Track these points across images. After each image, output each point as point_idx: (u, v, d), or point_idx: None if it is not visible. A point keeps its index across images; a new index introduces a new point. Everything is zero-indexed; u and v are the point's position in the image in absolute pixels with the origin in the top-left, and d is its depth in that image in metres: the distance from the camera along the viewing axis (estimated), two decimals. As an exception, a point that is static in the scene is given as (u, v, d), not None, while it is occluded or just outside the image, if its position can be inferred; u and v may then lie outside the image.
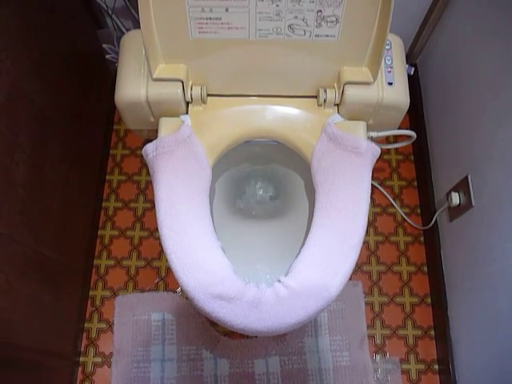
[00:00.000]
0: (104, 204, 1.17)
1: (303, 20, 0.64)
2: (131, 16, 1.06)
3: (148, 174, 1.20)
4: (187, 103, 0.76)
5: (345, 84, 0.72)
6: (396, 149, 1.23)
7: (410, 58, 1.18)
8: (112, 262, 1.12)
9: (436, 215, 1.05)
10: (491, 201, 0.84)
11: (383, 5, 0.62)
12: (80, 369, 1.03)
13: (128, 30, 1.06)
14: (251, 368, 1.01)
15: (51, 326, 0.91)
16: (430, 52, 1.13)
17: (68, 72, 0.96)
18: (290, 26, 0.65)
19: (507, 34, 0.79)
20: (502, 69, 0.81)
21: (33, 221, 0.81)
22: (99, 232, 1.14)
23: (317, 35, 0.66)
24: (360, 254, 0.68)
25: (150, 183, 1.19)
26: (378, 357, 1.04)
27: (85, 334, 1.06)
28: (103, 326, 1.06)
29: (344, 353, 1.02)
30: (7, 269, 0.73)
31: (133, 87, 0.73)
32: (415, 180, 1.20)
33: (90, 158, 1.12)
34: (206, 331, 1.03)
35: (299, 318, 0.62)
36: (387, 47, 0.76)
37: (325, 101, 0.74)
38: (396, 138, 1.20)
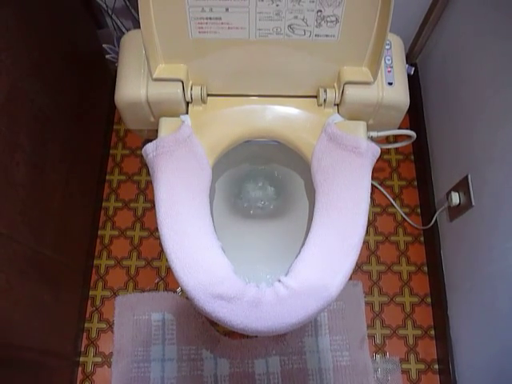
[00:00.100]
0: (104, 204, 1.17)
1: (303, 20, 0.64)
2: (131, 16, 1.06)
3: (148, 173, 1.20)
4: (187, 103, 0.76)
5: (345, 84, 0.72)
6: (396, 149, 1.23)
7: (410, 58, 1.18)
8: (112, 262, 1.12)
9: (436, 215, 1.05)
10: (491, 201, 0.84)
11: (383, 5, 0.62)
12: (80, 369, 1.03)
13: (128, 30, 1.06)
14: (251, 368, 1.01)
15: (51, 326, 0.91)
16: (429, 52, 1.13)
17: (68, 72, 0.95)
18: (289, 25, 0.65)
19: (507, 33, 0.79)
20: (502, 68, 0.81)
21: (33, 221, 0.81)
22: (99, 232, 1.14)
23: (317, 35, 0.66)
24: (360, 254, 0.68)
25: (150, 183, 1.19)
26: (378, 357, 1.04)
27: (85, 334, 1.06)
28: (103, 325, 1.06)
29: (344, 352, 1.02)
30: (7, 269, 0.73)
31: (133, 87, 0.73)
32: (415, 180, 1.20)
33: (90, 158, 1.12)
34: (206, 331, 1.03)
35: (299, 317, 0.62)
36: (387, 47, 0.76)
37: (325, 101, 0.74)
38: (396, 138, 1.20)
